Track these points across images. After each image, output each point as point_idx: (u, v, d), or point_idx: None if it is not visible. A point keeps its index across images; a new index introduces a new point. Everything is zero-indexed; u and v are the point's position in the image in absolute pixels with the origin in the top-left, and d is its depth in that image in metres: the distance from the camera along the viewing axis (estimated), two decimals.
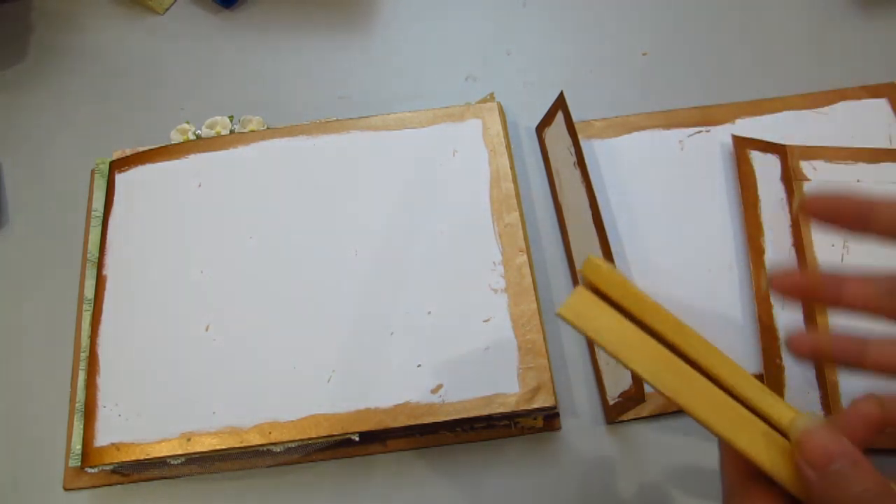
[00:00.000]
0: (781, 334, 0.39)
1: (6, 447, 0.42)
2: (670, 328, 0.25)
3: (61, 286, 0.46)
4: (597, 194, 0.40)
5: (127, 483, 0.40)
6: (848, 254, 0.41)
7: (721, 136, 0.46)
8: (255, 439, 0.37)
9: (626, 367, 0.24)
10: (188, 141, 0.47)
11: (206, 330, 0.40)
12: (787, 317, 0.40)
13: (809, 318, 0.39)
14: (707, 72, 0.50)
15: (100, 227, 0.45)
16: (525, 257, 0.41)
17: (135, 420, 0.38)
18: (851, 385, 0.38)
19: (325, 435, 0.37)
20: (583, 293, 0.25)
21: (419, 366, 0.38)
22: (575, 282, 0.44)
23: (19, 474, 0.41)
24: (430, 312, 0.40)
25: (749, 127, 0.47)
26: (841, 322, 0.39)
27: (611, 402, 0.40)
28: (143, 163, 0.46)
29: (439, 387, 0.38)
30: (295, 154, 0.45)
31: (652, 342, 0.25)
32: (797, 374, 0.38)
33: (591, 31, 0.53)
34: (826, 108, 0.47)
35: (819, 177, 0.43)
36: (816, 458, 0.21)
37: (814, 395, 0.38)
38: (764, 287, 0.40)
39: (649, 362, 0.24)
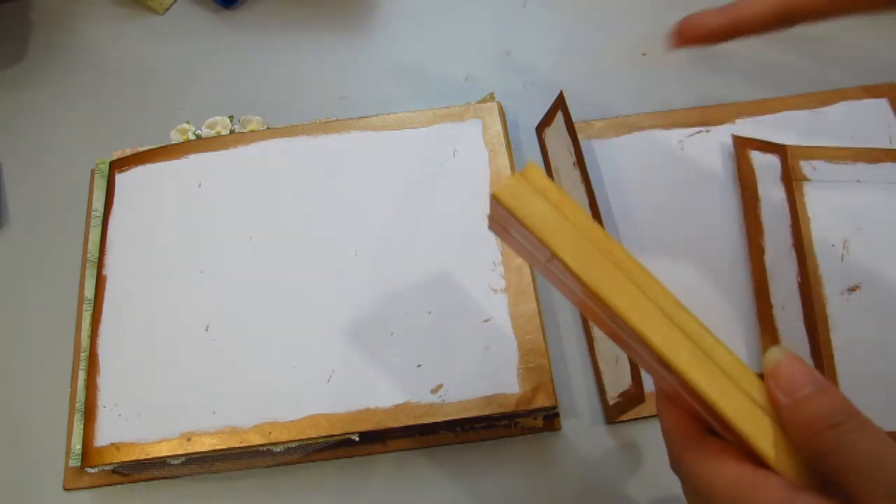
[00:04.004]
0: (781, 334, 0.40)
1: (6, 447, 0.42)
2: (596, 238, 0.24)
3: (61, 286, 0.46)
4: (597, 194, 0.40)
5: (127, 483, 0.40)
6: (848, 254, 0.41)
7: (721, 136, 0.46)
8: (255, 439, 0.37)
9: (553, 254, 0.23)
10: (188, 141, 0.47)
11: (206, 330, 0.40)
12: (788, 317, 0.40)
13: (809, 317, 0.39)
14: (707, 72, 0.50)
15: (100, 227, 0.45)
16: None
17: (135, 420, 0.38)
18: (853, 387, 0.38)
19: (325, 435, 0.37)
20: (522, 180, 0.24)
21: (419, 366, 0.38)
22: None
23: (19, 474, 0.41)
24: (430, 312, 0.40)
25: (749, 127, 0.47)
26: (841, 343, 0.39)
27: (611, 402, 0.40)
28: (143, 163, 0.46)
29: (439, 387, 0.38)
30: (295, 154, 0.45)
31: (588, 243, 0.23)
32: None
33: (591, 31, 0.53)
34: (826, 108, 0.47)
35: (819, 177, 0.43)
36: (789, 383, 0.22)
37: None
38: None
39: (580, 254, 0.23)
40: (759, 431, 0.22)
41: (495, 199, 0.23)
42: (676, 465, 0.25)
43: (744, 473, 0.22)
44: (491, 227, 0.27)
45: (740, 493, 0.21)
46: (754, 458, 0.22)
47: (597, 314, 0.25)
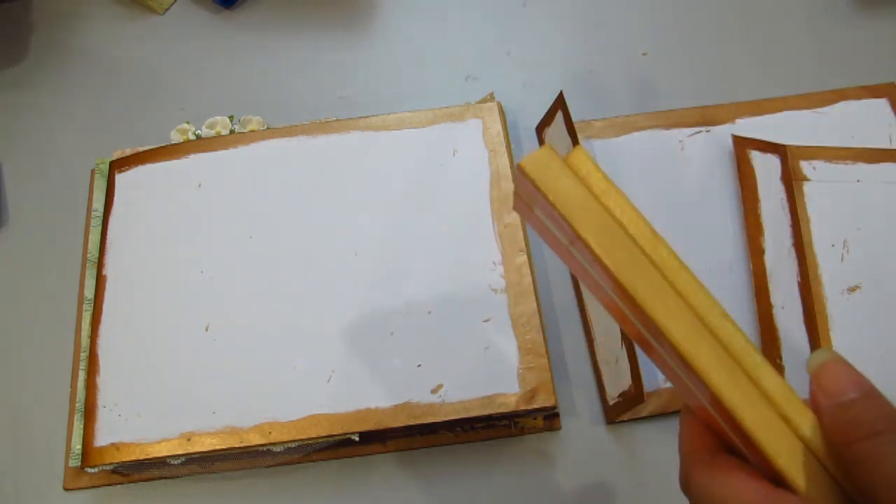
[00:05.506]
0: (781, 334, 0.40)
1: (6, 447, 0.42)
2: (640, 233, 0.21)
3: (61, 286, 0.46)
4: None
5: (127, 483, 0.40)
6: (848, 254, 0.41)
7: (721, 136, 0.46)
8: (255, 439, 0.37)
9: (577, 235, 0.21)
10: (188, 141, 0.47)
11: (206, 330, 0.40)
12: (788, 317, 0.40)
13: (809, 317, 0.39)
14: (707, 72, 0.50)
15: (100, 227, 0.45)
16: (525, 257, 0.41)
17: (135, 420, 0.38)
18: None
19: (324, 435, 0.37)
20: (551, 152, 0.21)
21: (419, 366, 0.38)
22: (575, 282, 0.44)
23: (19, 474, 0.41)
24: (430, 312, 0.40)
25: (749, 127, 0.47)
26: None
27: (611, 402, 0.40)
28: (143, 163, 0.46)
29: (439, 387, 0.38)
30: (295, 154, 0.45)
31: (616, 227, 0.21)
32: (798, 375, 0.38)
33: (591, 31, 0.53)
34: (826, 108, 0.47)
35: (819, 177, 0.43)
36: (833, 386, 0.20)
37: None
38: None
39: (605, 239, 0.21)
40: (784, 450, 0.20)
41: (521, 171, 0.21)
42: (687, 481, 0.23)
43: (761, 492, 0.20)
44: (515, 207, 0.25)
45: None
46: (773, 479, 0.21)
47: (621, 310, 0.23)
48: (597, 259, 0.21)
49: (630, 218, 0.21)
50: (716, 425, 0.23)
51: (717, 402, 0.21)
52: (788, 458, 0.20)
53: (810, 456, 0.20)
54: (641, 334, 0.23)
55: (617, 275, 0.21)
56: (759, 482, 0.21)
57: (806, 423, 0.21)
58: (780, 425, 0.21)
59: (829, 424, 0.20)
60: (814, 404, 0.21)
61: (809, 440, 0.20)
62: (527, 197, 0.23)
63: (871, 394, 0.20)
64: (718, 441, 0.23)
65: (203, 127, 0.48)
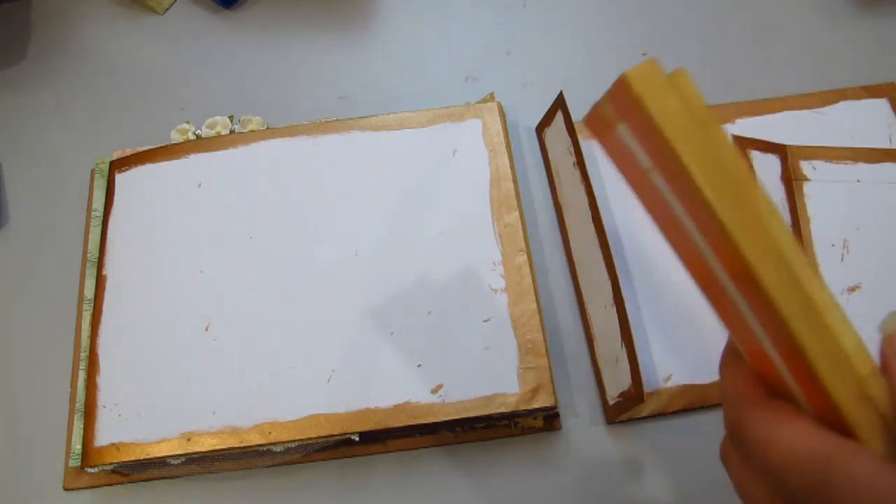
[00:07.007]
0: None
1: (6, 447, 0.42)
2: (739, 171, 0.20)
3: (61, 286, 0.46)
4: (596, 194, 0.40)
5: (127, 483, 0.40)
6: (848, 254, 0.41)
7: None
8: (255, 439, 0.37)
9: (678, 162, 0.19)
10: (188, 141, 0.47)
11: (206, 330, 0.40)
12: None
13: None
14: (707, 72, 0.50)
15: (100, 227, 0.45)
16: (525, 257, 0.41)
17: (135, 420, 0.38)
18: None
19: (325, 435, 0.37)
20: (657, 67, 0.19)
21: (419, 366, 0.38)
22: (576, 282, 0.44)
23: (19, 474, 0.41)
24: (430, 312, 0.40)
25: (749, 127, 0.47)
26: None
27: (611, 402, 0.40)
28: (143, 163, 0.46)
29: (439, 387, 0.38)
30: (295, 154, 0.45)
31: (718, 160, 0.20)
32: None
33: (591, 31, 0.53)
34: (826, 108, 0.47)
35: (819, 177, 0.43)
36: None
37: None
38: None
39: (705, 166, 0.19)
40: (854, 406, 0.19)
41: (623, 84, 0.19)
42: (740, 426, 0.21)
43: (830, 442, 0.19)
44: (588, 120, 0.22)
45: (828, 464, 0.19)
46: (837, 430, 0.20)
47: (693, 247, 0.21)
48: (696, 190, 0.19)
49: (728, 153, 0.20)
50: (771, 375, 0.22)
51: (793, 349, 0.20)
52: (859, 415, 0.20)
53: (881, 415, 0.20)
54: (712, 274, 0.22)
55: (717, 208, 0.19)
56: (827, 432, 0.19)
57: (878, 383, 0.20)
58: (855, 381, 0.20)
59: None
60: (885, 366, 0.20)
61: (879, 401, 0.20)
62: (617, 111, 0.21)
63: None
64: (768, 389, 0.22)
65: (203, 127, 0.48)
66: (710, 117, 0.20)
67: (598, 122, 0.22)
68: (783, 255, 0.20)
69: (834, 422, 0.20)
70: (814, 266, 0.20)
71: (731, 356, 0.23)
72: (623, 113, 0.20)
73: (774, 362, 0.21)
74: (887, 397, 0.20)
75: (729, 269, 0.20)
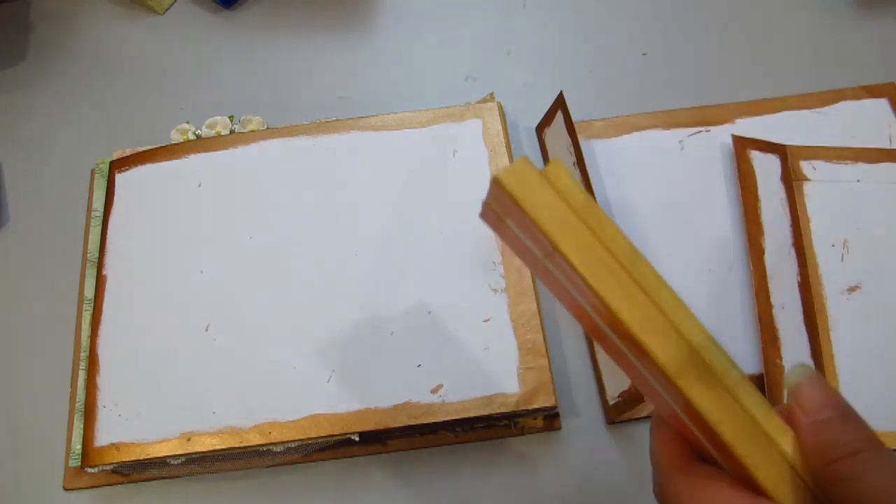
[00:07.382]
0: (781, 334, 0.40)
1: (6, 447, 0.42)
2: (621, 250, 0.21)
3: (61, 286, 0.46)
4: (596, 194, 0.40)
5: (127, 483, 0.40)
6: (848, 254, 0.41)
7: (721, 136, 0.46)
8: (255, 439, 0.37)
9: (556, 250, 0.21)
10: (188, 141, 0.47)
11: (206, 330, 0.40)
12: (788, 317, 0.40)
13: (809, 317, 0.39)
14: (707, 72, 0.50)
15: (100, 227, 0.45)
16: None
17: (135, 420, 0.38)
18: (852, 387, 0.38)
19: (325, 435, 0.37)
20: (528, 164, 0.21)
21: (419, 366, 0.38)
22: None
23: (19, 474, 0.41)
24: (430, 312, 0.40)
25: (749, 127, 0.47)
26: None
27: (611, 402, 0.40)
28: (143, 163, 0.46)
29: (439, 387, 0.38)
30: (295, 154, 0.45)
31: (596, 243, 0.21)
32: None
33: (590, 31, 0.53)
34: (826, 108, 0.47)
35: (819, 177, 0.43)
36: (811, 404, 0.21)
37: None
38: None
39: (585, 253, 0.21)
40: (763, 463, 0.20)
41: (497, 184, 0.21)
42: (663, 490, 0.23)
43: (745, 501, 0.20)
44: (483, 215, 0.24)
45: None
46: (751, 488, 0.21)
47: (594, 322, 0.23)
48: (577, 274, 0.21)
49: (609, 233, 0.21)
50: (690, 435, 0.23)
51: (695, 414, 0.21)
52: (768, 471, 0.21)
53: (790, 469, 0.21)
54: (616, 346, 0.23)
55: (597, 290, 0.20)
56: (742, 491, 0.21)
57: (785, 439, 0.21)
58: (760, 439, 0.21)
59: (808, 442, 0.21)
60: (792, 421, 0.21)
61: (788, 456, 0.21)
62: (500, 209, 0.23)
63: (848, 413, 0.21)
64: (692, 450, 0.23)
65: (203, 127, 0.48)
66: (587, 202, 0.21)
67: (490, 216, 0.24)
68: (674, 324, 0.21)
69: (749, 478, 0.21)
70: (708, 334, 0.21)
71: (657, 420, 0.25)
72: (505, 211, 0.22)
73: (688, 425, 0.22)
74: (794, 451, 0.21)
75: (627, 344, 0.21)
